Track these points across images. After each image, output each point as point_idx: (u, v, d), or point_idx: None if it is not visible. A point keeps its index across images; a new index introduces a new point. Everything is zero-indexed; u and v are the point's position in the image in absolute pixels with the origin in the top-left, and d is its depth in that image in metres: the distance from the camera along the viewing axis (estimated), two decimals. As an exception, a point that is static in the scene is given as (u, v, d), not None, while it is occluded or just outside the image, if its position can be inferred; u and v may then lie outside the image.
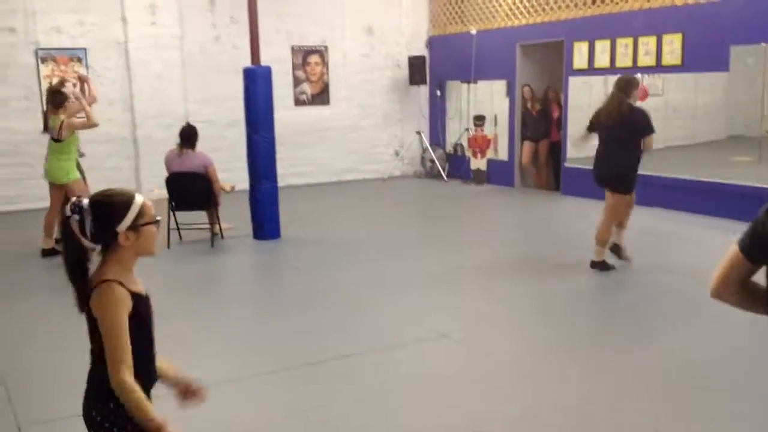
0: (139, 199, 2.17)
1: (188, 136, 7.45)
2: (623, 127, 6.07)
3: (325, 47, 11.95)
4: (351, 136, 12.30)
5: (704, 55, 8.38)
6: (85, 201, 2.12)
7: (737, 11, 8.02)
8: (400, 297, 5.76)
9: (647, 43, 9.07)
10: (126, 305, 2.10)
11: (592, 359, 4.44)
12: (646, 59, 9.10)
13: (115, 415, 2.13)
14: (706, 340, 4.69)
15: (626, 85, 6.16)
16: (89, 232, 2.12)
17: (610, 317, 5.39)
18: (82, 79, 7.61)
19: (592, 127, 6.42)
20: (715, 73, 8.53)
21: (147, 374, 2.21)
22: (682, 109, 9.52)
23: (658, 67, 8.97)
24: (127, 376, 2.06)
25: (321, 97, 12.06)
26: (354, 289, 6.00)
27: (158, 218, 2.23)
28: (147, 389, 2.19)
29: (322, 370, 4.30)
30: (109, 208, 2.13)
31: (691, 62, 8.58)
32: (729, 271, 1.91)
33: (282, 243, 7.71)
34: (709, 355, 4.44)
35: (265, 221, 7.75)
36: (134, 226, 2.13)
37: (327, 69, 12.05)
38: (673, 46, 8.77)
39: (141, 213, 2.14)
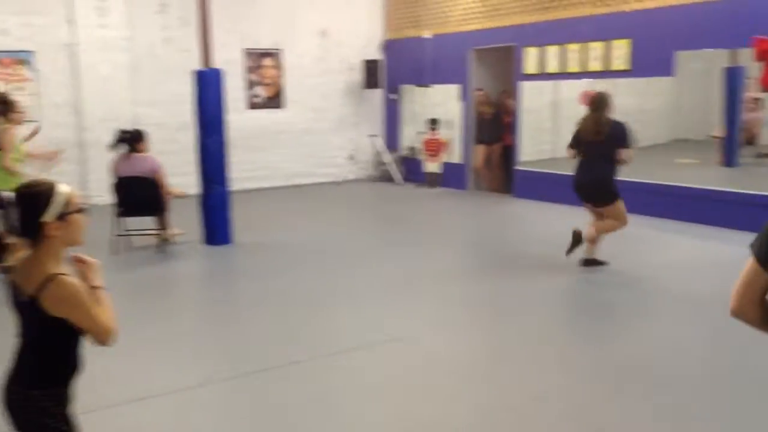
0: (63, 188, 2.18)
1: (125, 140, 7.26)
2: (606, 142, 6.17)
3: (279, 50, 11.87)
4: (305, 139, 12.23)
5: (651, 61, 8.58)
6: (8, 194, 2.13)
7: (682, 18, 8.23)
8: (355, 301, 5.73)
9: (596, 49, 9.24)
10: (83, 289, 2.16)
11: (549, 360, 4.48)
12: (595, 64, 9.28)
13: (35, 403, 2.18)
14: (665, 340, 4.78)
15: (600, 104, 6.25)
16: (16, 225, 2.14)
17: (568, 317, 5.46)
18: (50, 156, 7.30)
19: (575, 144, 6.44)
20: (662, 78, 8.75)
21: (78, 359, 2.28)
22: (631, 113, 9.71)
23: (607, 72, 9.15)
24: (112, 327, 2.21)
25: (275, 100, 11.97)
26: (308, 295, 5.95)
27: (83, 207, 2.25)
28: (74, 374, 2.28)
29: (276, 376, 4.25)
30: (35, 198, 2.14)
31: (638, 67, 8.77)
32: (749, 287, 1.79)
33: (234, 248, 7.60)
34: (665, 353, 4.53)
35: (217, 227, 7.64)
36: (61, 216, 2.15)
37: (281, 72, 11.97)
38: (621, 52, 8.96)
39: (67, 202, 2.16)
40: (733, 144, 9.85)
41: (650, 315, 5.29)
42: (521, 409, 3.78)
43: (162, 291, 6.40)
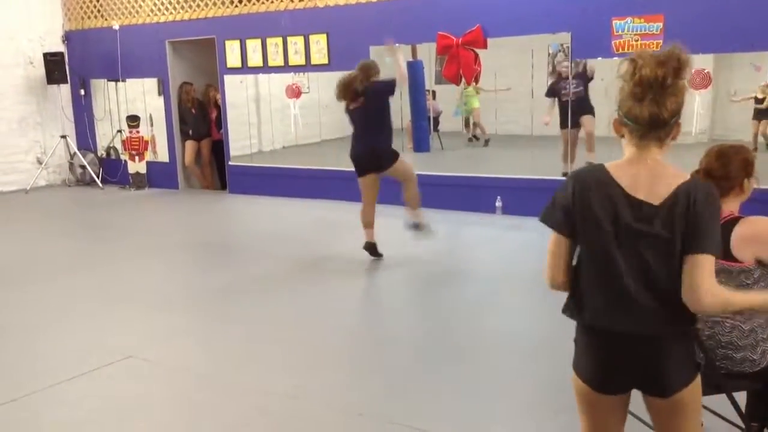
0: None
1: None
2: (368, 107, 6.12)
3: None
4: (-23, 143, 10.66)
5: (347, 55, 9.00)
6: None
7: (375, 14, 8.79)
8: (72, 320, 5.15)
9: (296, 43, 9.46)
10: None
11: (287, 357, 4.50)
12: (297, 58, 9.49)
13: None
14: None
15: (367, 68, 6.30)
16: None
17: (296, 314, 5.51)
18: None
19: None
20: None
21: None
22: (332, 106, 10.16)
23: (308, 66, 9.43)
24: None
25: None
26: (15, 318, 5.22)
27: None
28: None
29: (-13, 424, 3.65)
30: None
31: (336, 61, 9.16)
32: (557, 257, 1.94)
33: None
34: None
35: None
36: None
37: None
38: (319, 46, 9.29)
39: None
40: (421, 132, 10.85)
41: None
42: (274, 409, 3.75)
43: None
